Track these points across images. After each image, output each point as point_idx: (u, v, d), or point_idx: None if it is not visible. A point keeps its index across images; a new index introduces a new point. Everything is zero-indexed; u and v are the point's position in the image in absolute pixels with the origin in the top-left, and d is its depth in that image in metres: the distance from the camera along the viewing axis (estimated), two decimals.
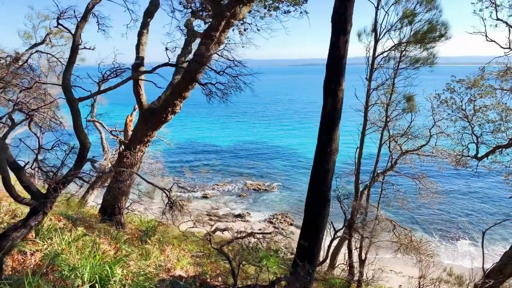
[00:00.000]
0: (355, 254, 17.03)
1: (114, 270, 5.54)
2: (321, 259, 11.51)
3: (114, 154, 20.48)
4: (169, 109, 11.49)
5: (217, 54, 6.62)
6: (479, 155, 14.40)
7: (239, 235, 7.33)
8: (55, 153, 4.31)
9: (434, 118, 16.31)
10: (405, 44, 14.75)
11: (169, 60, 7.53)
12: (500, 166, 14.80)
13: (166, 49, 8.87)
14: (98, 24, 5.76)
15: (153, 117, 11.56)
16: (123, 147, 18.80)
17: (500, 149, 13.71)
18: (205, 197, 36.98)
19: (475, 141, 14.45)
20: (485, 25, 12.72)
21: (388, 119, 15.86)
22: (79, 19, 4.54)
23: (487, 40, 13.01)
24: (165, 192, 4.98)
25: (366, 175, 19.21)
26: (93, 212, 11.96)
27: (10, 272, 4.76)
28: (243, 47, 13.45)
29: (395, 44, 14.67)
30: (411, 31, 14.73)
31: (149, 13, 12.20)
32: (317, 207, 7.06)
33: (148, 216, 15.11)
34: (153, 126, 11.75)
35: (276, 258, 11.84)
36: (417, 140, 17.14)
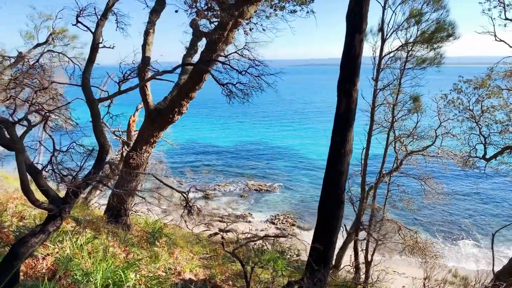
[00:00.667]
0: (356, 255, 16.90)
1: (127, 275, 5.41)
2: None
3: (117, 155, 20.35)
4: (176, 109, 11.38)
5: (237, 53, 6.48)
6: (487, 156, 14.28)
7: (252, 238, 7.18)
8: (70, 155, 4.17)
9: (439, 119, 16.20)
10: (412, 44, 14.63)
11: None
12: (507, 167, 14.71)
13: (186, 48, 8.72)
14: (116, 22, 5.63)
15: (159, 117, 11.44)
16: (126, 147, 18.73)
17: (509, 150, 13.60)
18: (206, 197, 36.84)
19: (483, 142, 14.33)
20: (494, 25, 12.61)
21: (395, 120, 15.74)
22: (98, 17, 4.42)
23: (496, 40, 12.90)
24: (183, 196, 4.85)
25: (371, 176, 19.10)
26: (98, 214, 11.83)
27: (22, 277, 4.63)
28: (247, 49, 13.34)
29: (402, 44, 14.55)
30: (417, 31, 14.63)
31: (155, 12, 12.10)
32: (330, 209, 6.93)
33: (151, 216, 14.99)
34: (159, 126, 11.63)
35: (283, 260, 11.74)
36: (423, 140, 17.03)
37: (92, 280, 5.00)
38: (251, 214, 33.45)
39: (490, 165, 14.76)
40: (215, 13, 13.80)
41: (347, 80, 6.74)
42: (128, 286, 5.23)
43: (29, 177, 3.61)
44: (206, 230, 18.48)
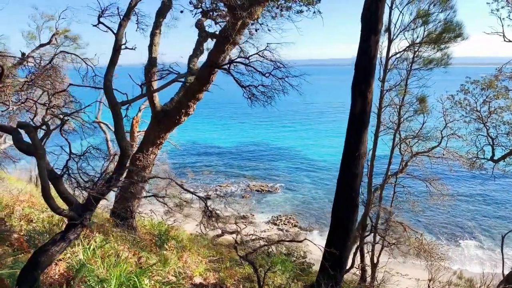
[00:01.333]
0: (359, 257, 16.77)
1: (142, 281, 5.29)
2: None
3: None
4: (183, 110, 11.26)
5: (258, 54, 6.34)
6: (495, 158, 14.16)
7: (267, 243, 7.05)
8: (87, 160, 4.04)
9: (445, 120, 16.08)
10: (418, 44, 14.51)
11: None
12: None
13: (207, 50, 8.58)
14: (137, 23, 5.50)
15: (166, 119, 11.32)
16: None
17: None
18: (207, 198, 36.68)
19: (491, 143, 14.22)
20: (502, 25, 12.49)
21: (401, 121, 15.61)
22: (121, 17, 4.29)
23: (504, 40, 12.78)
24: (203, 201, 4.72)
25: (375, 177, 18.98)
26: (105, 216, 11.70)
27: None
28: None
29: (409, 44, 14.42)
30: (424, 31, 14.52)
31: (161, 13, 11.99)
32: (345, 212, 6.81)
33: (154, 217, 14.86)
34: (166, 128, 11.51)
35: (290, 263, 11.62)
36: (428, 142, 16.90)
37: (106, 286, 4.88)
38: (253, 215, 33.30)
39: (497, 166, 14.64)
40: (220, 13, 13.70)
41: (363, 81, 6.63)
42: None
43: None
44: (212, 230, 18.33)
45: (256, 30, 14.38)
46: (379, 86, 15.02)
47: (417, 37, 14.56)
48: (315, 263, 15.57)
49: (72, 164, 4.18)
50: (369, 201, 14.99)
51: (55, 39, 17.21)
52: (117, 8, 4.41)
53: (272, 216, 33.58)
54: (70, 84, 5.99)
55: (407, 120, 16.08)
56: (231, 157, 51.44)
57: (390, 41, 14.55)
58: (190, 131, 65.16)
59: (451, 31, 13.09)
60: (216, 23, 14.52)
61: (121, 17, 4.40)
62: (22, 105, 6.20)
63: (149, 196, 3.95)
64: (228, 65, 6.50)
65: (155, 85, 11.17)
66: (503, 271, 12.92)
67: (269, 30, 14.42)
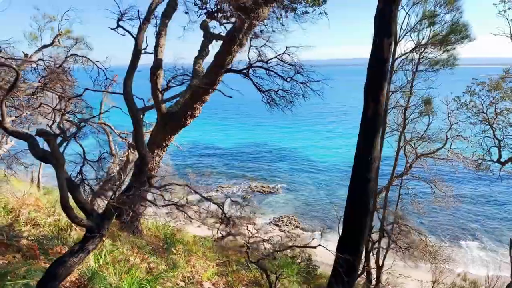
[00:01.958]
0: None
1: None
2: None
3: (122, 157, 20.12)
4: (189, 112, 11.13)
5: (277, 58, 6.23)
6: (502, 160, 14.08)
7: (280, 248, 6.96)
8: (100, 165, 3.95)
9: (450, 121, 16.00)
10: (424, 46, 14.43)
11: (231, 66, 7.04)
12: None
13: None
14: (155, 26, 5.38)
15: (172, 121, 11.21)
16: (132, 149, 18.47)
17: None
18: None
19: (497, 145, 14.14)
20: (510, 27, 12.41)
21: (406, 122, 15.53)
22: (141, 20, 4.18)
23: None
24: (220, 208, 4.64)
25: (380, 179, 18.88)
26: None
27: None
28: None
29: (416, 46, 14.34)
30: (430, 32, 14.44)
31: (166, 14, 11.88)
32: (358, 217, 6.72)
33: (157, 218, 14.74)
34: (171, 130, 11.39)
35: (297, 266, 11.52)
36: (432, 143, 16.83)
37: None
38: (255, 216, 33.17)
39: (503, 168, 14.56)
40: (224, 14, 13.58)
41: (375, 85, 6.54)
42: None
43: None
44: (209, 232, 18.22)
45: (261, 32, 14.29)
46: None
47: (423, 38, 14.50)
48: (319, 266, 15.49)
49: (86, 170, 4.09)
50: (375, 203, 14.89)
51: (58, 40, 17.09)
52: (138, 12, 4.32)
53: (273, 217, 33.48)
54: (86, 89, 5.89)
55: (413, 122, 16.01)
56: (232, 158, 51.31)
57: (396, 43, 14.47)
58: (191, 131, 64.97)
59: (459, 32, 13.00)
60: (220, 24, 14.42)
61: (141, 20, 4.30)
62: (36, 110, 6.12)
63: (169, 205, 3.86)
64: (247, 70, 6.38)
65: (160, 88, 11.05)
66: (511, 273, 12.83)
67: (273, 31, 14.33)
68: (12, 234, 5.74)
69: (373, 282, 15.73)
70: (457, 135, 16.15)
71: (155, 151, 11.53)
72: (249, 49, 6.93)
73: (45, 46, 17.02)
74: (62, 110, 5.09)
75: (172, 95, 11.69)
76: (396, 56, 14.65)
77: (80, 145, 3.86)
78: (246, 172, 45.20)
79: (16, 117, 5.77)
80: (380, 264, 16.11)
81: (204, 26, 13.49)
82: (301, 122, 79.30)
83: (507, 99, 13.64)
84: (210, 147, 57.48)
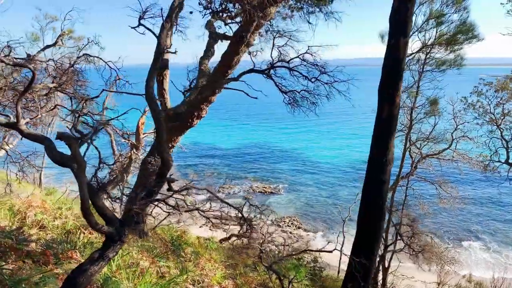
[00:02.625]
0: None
1: None
2: None
3: (125, 158, 19.94)
4: (195, 113, 11.01)
5: (299, 58, 6.10)
6: (510, 161, 13.96)
7: (294, 252, 6.83)
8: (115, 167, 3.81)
9: (456, 122, 15.88)
10: (431, 46, 14.29)
11: (254, 65, 6.92)
12: None
13: (249, 53, 8.33)
14: (176, 25, 5.26)
15: (178, 122, 11.09)
16: (134, 150, 18.34)
17: None
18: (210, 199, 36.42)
19: (505, 146, 14.02)
20: None
21: (412, 123, 15.40)
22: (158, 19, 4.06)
23: None
24: (239, 212, 4.52)
25: None
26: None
27: None
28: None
29: (423, 46, 14.21)
30: (436, 32, 14.31)
31: (172, 14, 11.76)
32: (372, 220, 6.59)
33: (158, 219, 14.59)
34: (178, 131, 11.27)
35: (304, 268, 11.40)
36: (437, 144, 16.71)
37: None
38: (256, 216, 33.00)
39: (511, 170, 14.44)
40: (229, 14, 13.45)
41: (390, 85, 6.41)
42: None
43: None
44: (213, 233, 18.09)
45: (266, 32, 14.16)
46: None
47: (430, 38, 14.37)
48: (324, 267, 15.36)
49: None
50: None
51: (61, 40, 16.92)
52: (161, 9, 4.19)
53: (275, 218, 33.33)
54: (104, 90, 5.75)
55: (419, 122, 15.89)
56: (233, 159, 51.14)
57: None
58: (192, 132, 64.73)
59: (467, 32, 12.87)
60: (225, 24, 14.29)
61: (164, 18, 4.18)
62: (51, 112, 5.99)
63: (192, 210, 3.73)
64: (268, 70, 6.24)
65: (167, 87, 10.94)
66: None
67: (278, 31, 14.21)
68: (21, 237, 5.60)
69: (379, 284, 15.58)
70: (463, 136, 16.04)
71: None
72: (272, 49, 6.78)
73: (48, 46, 16.83)
74: (79, 112, 4.96)
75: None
76: None
77: (96, 148, 3.73)
78: (247, 172, 45.04)
79: (31, 118, 5.65)
80: (386, 266, 15.98)
81: (209, 26, 13.38)
82: (302, 122, 79.18)
83: None
84: (211, 147, 57.28)
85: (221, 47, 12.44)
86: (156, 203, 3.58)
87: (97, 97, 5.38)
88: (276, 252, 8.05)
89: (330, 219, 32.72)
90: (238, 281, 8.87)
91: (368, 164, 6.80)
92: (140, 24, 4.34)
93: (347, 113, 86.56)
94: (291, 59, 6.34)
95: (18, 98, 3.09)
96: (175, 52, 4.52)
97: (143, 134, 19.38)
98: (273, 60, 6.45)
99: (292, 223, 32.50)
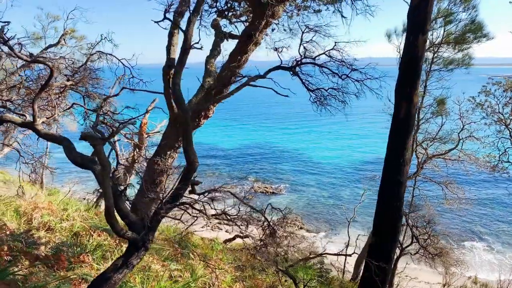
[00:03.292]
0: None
1: None
2: None
3: (128, 158, 19.76)
4: (202, 113, 10.85)
5: (325, 54, 5.94)
6: None
7: (310, 256, 6.67)
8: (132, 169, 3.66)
9: (462, 122, 15.74)
10: (439, 45, 14.14)
11: (281, 62, 6.70)
12: None
13: (276, 49, 8.13)
14: (200, 19, 5.09)
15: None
16: (137, 150, 18.17)
17: None
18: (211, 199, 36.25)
19: None
20: None
21: (419, 123, 15.24)
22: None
23: None
24: (263, 215, 4.36)
25: None
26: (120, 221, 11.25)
27: None
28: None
29: (431, 45, 14.05)
30: (444, 31, 14.16)
31: (179, 13, 11.57)
32: (389, 222, 6.43)
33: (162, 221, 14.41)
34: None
35: (312, 271, 11.23)
36: (445, 144, 16.56)
37: None
38: (257, 217, 32.83)
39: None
40: (235, 13, 13.28)
41: (408, 83, 6.25)
42: None
43: None
44: (214, 233, 17.97)
45: (272, 30, 13.97)
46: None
47: (438, 37, 14.22)
48: (330, 269, 15.20)
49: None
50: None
51: (64, 39, 16.78)
52: (188, 1, 4.01)
53: (277, 218, 33.10)
54: (124, 88, 5.58)
55: (426, 122, 15.74)
56: (234, 159, 50.96)
57: None
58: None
59: (476, 31, 12.72)
60: (231, 23, 14.13)
61: (191, 12, 4.01)
62: (67, 111, 5.83)
63: (219, 215, 3.58)
64: (295, 67, 6.06)
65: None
66: None
67: (284, 30, 14.03)
68: (30, 241, 5.44)
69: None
70: (470, 136, 15.90)
71: (168, 153, 11.22)
72: (300, 45, 6.57)
73: (50, 46, 16.68)
74: (99, 110, 4.80)
75: None
76: None
77: (113, 148, 3.57)
78: (248, 173, 44.86)
79: (47, 118, 5.50)
80: (392, 267, 15.81)
81: (215, 25, 13.19)
82: (303, 122, 79.07)
83: None
84: (212, 148, 57.06)
85: (227, 46, 12.28)
86: (182, 207, 3.42)
87: (116, 95, 5.21)
88: (289, 255, 7.88)
89: (333, 219, 32.60)
90: (247, 283, 8.71)
91: (385, 164, 6.64)
92: (165, 17, 4.17)
93: (348, 114, 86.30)
94: (317, 56, 6.17)
95: (35, 96, 2.93)
96: (201, 48, 4.38)
97: (146, 134, 19.22)
98: (301, 56, 6.27)
99: (294, 223, 32.36)
